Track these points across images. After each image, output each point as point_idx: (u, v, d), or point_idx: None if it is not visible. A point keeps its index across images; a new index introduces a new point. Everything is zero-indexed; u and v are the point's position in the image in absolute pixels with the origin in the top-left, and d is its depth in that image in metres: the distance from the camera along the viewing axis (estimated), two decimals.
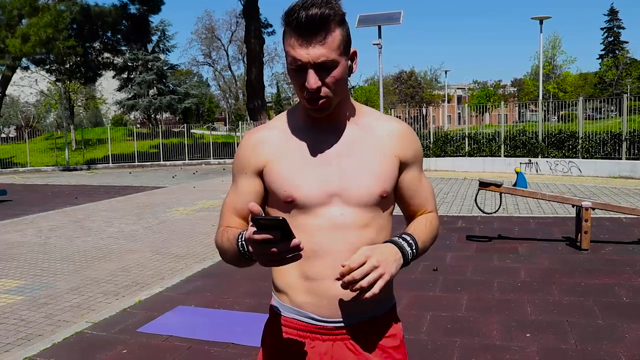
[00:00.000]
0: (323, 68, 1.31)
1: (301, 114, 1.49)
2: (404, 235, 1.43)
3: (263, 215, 1.20)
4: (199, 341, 3.90)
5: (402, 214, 1.62)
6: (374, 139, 1.48)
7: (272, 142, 1.48)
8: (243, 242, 1.32)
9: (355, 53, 1.40)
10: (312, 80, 1.31)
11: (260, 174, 1.49)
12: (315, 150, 1.45)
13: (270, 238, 1.15)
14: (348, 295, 1.41)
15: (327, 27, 1.29)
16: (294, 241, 1.17)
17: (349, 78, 1.43)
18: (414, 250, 1.41)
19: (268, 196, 1.51)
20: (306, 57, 1.30)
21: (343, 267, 1.28)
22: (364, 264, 1.27)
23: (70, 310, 4.91)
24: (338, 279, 1.30)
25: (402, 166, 1.51)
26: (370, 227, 1.45)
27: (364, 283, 1.26)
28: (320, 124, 1.46)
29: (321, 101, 1.35)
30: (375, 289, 1.26)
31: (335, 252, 1.40)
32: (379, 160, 1.46)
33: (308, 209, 1.43)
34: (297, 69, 1.33)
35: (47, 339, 4.10)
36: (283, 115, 1.54)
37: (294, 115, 1.52)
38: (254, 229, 1.17)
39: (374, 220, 1.46)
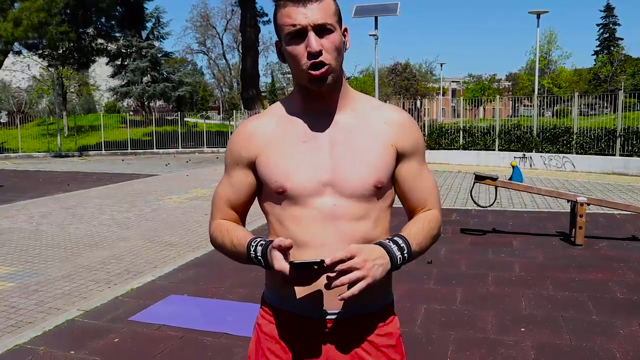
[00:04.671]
0: (322, 31, 1.31)
1: (296, 100, 1.45)
2: (396, 239, 1.35)
3: (299, 261, 1.26)
4: (192, 330, 3.87)
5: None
6: (371, 127, 1.43)
7: (264, 132, 1.45)
8: (258, 257, 1.35)
9: (346, 29, 1.40)
10: (314, 42, 1.30)
11: (253, 166, 1.46)
12: (308, 138, 1.41)
13: (308, 277, 1.28)
14: (338, 289, 1.38)
15: None
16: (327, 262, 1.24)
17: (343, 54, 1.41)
18: (405, 255, 1.33)
19: (262, 188, 1.48)
20: (304, 19, 1.29)
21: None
22: (350, 259, 1.23)
23: (61, 298, 4.86)
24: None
25: (400, 157, 1.44)
26: (366, 219, 1.40)
27: (344, 279, 1.22)
28: (315, 110, 1.42)
29: (322, 69, 1.31)
30: (355, 289, 1.22)
31: (328, 244, 1.36)
32: (374, 149, 1.41)
33: (300, 200, 1.39)
34: (296, 35, 1.31)
35: (37, 327, 4.05)
36: (278, 104, 1.50)
37: (288, 103, 1.48)
38: (288, 266, 1.25)
39: (370, 212, 1.41)
